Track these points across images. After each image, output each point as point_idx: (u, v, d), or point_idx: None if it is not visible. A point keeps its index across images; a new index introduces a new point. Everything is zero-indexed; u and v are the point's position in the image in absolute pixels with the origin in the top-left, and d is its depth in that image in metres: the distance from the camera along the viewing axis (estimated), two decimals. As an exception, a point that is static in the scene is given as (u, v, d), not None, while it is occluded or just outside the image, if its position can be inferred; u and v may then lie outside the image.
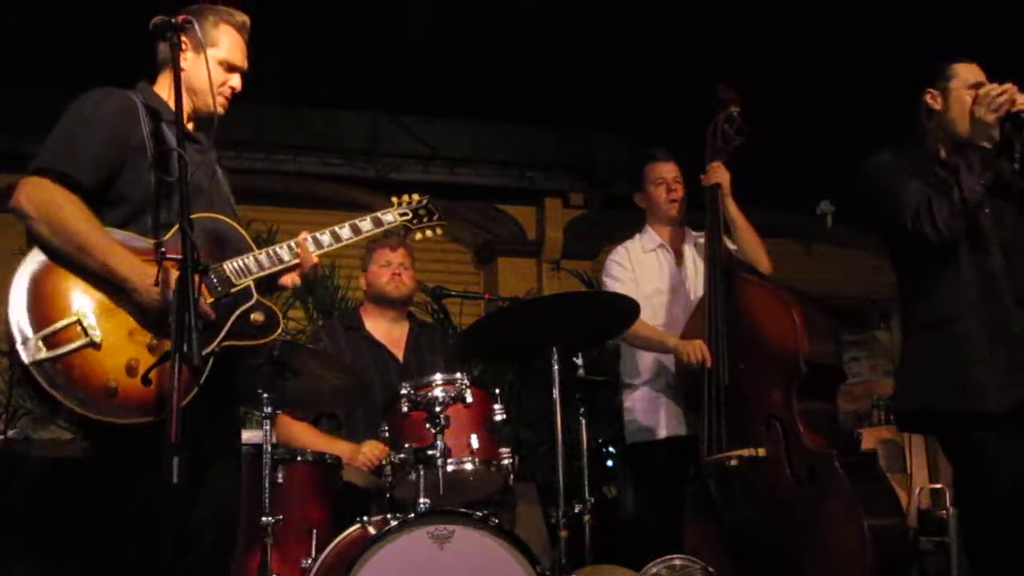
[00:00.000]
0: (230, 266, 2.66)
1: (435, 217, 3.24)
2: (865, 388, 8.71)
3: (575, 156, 7.68)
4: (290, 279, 2.83)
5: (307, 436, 3.96)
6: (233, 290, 2.64)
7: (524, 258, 7.79)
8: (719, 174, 4.16)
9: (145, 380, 2.45)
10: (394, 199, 3.18)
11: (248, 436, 4.21)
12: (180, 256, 2.36)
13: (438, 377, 3.48)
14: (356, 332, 4.22)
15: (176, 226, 2.54)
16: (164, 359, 2.44)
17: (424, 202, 3.22)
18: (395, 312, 4.29)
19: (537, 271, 7.75)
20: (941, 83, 3.36)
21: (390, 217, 3.10)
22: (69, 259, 2.48)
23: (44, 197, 2.51)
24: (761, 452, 3.74)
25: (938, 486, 5.25)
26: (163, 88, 2.79)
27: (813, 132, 6.39)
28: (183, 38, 2.70)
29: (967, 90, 3.30)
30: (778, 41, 5.91)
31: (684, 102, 4.53)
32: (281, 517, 3.26)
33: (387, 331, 4.25)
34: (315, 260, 2.83)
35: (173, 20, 2.57)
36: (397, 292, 4.22)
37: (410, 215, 3.17)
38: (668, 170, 4.35)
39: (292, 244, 2.79)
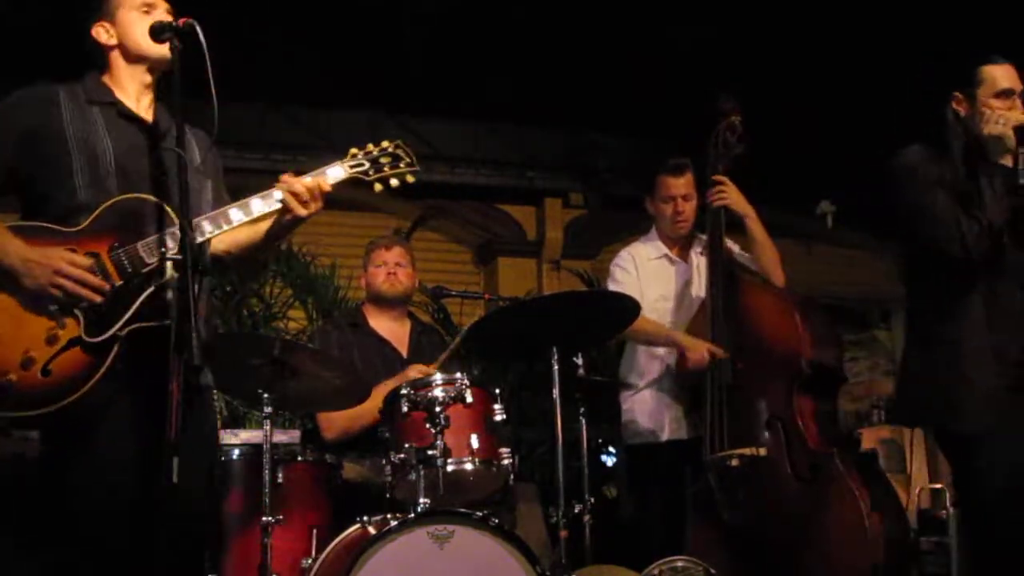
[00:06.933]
0: (143, 244, 2.54)
1: (402, 163, 2.78)
2: (865, 388, 8.71)
3: (575, 156, 7.67)
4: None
5: (353, 412, 3.84)
6: (144, 270, 2.52)
7: (524, 258, 7.78)
8: (727, 194, 4.12)
9: (45, 372, 2.43)
10: (353, 150, 2.77)
11: (248, 436, 4.21)
12: (180, 256, 2.35)
13: (438, 377, 3.48)
14: (360, 329, 4.27)
15: (96, 212, 2.53)
16: (65, 349, 2.43)
17: (388, 148, 2.78)
18: (396, 311, 4.33)
19: (537, 271, 7.74)
20: (969, 87, 3.24)
21: (337, 171, 2.71)
22: None
23: None
24: (762, 452, 3.74)
25: (938, 486, 5.26)
26: (112, 74, 2.73)
27: (813, 132, 6.38)
28: (104, 25, 2.71)
29: (993, 98, 3.19)
30: (779, 40, 5.90)
31: (685, 102, 4.52)
32: (281, 517, 3.26)
33: (389, 328, 4.30)
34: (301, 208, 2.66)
35: (174, 23, 2.53)
36: (392, 290, 4.26)
37: (366, 165, 2.74)
38: (679, 186, 4.26)
39: (216, 216, 2.62)
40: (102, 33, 2.72)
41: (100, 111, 2.66)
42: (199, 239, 2.54)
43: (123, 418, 2.50)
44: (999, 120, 3.12)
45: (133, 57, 2.71)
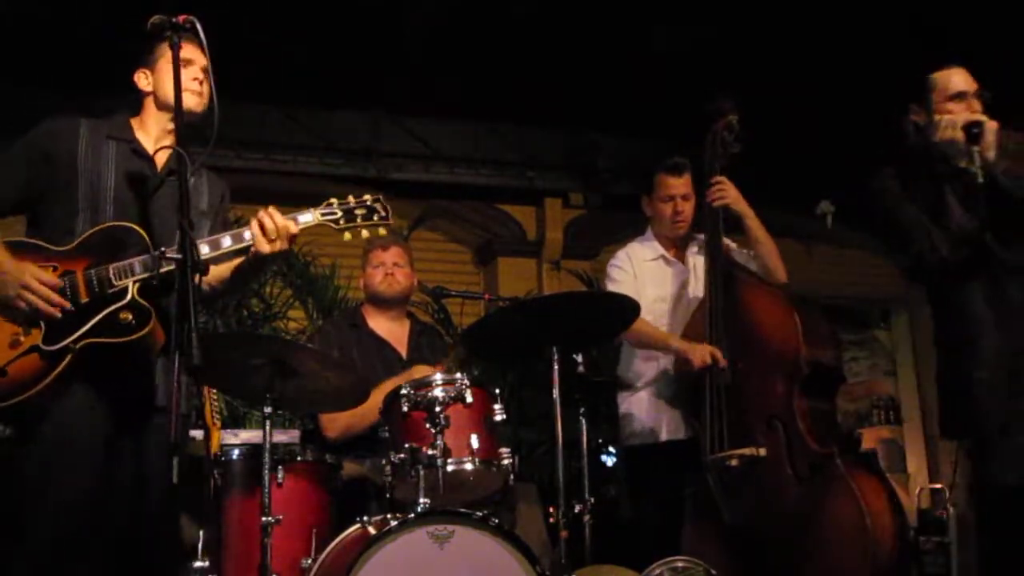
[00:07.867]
0: (115, 267, 2.72)
1: (375, 216, 2.99)
2: (865, 388, 8.72)
3: (575, 156, 7.67)
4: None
5: (356, 411, 3.81)
6: (110, 290, 2.71)
7: (524, 258, 7.78)
8: (727, 193, 4.11)
9: (2, 372, 2.64)
10: (331, 199, 2.97)
11: (248, 436, 4.21)
12: (179, 256, 2.39)
13: (438, 377, 3.48)
14: (359, 329, 4.26)
15: (85, 235, 2.75)
16: (24, 354, 2.65)
17: (367, 201, 2.99)
18: (394, 311, 4.33)
19: (537, 271, 7.74)
20: (924, 96, 3.26)
21: (308, 216, 2.91)
22: None
23: None
24: (762, 452, 3.74)
25: (938, 486, 5.25)
26: (141, 116, 2.98)
27: (813, 132, 6.38)
28: (145, 72, 2.95)
29: (947, 102, 3.21)
30: (779, 41, 5.91)
31: (685, 102, 4.52)
32: (281, 517, 3.26)
33: (388, 329, 4.29)
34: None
35: (173, 20, 2.57)
36: (389, 291, 4.26)
37: (338, 215, 2.95)
38: (679, 186, 4.26)
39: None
40: (142, 79, 2.97)
41: (115, 146, 2.89)
42: (165, 268, 2.69)
43: (73, 422, 2.69)
44: (947, 125, 3.13)
45: (162, 104, 2.94)
